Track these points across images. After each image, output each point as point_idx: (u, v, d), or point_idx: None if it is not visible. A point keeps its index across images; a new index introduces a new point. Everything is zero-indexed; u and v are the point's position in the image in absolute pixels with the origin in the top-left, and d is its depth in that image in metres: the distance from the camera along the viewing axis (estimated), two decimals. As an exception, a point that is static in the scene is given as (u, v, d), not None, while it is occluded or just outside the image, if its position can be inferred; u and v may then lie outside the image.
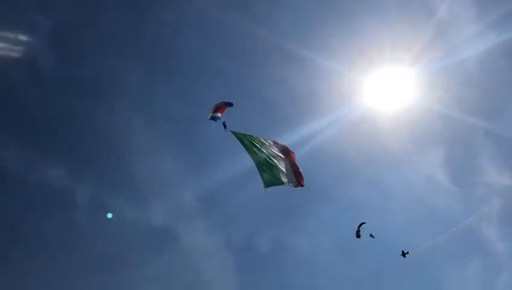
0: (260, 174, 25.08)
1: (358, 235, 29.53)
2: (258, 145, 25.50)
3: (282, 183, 25.09)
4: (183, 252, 58.37)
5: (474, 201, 64.58)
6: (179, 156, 67.26)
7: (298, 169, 25.77)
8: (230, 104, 26.35)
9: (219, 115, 26.23)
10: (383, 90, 58.15)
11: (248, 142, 25.32)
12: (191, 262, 58.04)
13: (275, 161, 25.50)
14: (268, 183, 25.03)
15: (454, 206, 65.23)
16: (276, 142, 26.61)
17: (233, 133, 25.53)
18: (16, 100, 58.11)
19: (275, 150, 26.02)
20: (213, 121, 26.46)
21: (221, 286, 54.87)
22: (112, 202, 59.27)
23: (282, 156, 25.98)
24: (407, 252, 31.28)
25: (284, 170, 25.51)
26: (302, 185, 25.36)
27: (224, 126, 25.98)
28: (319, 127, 56.45)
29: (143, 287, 55.77)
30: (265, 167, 25.10)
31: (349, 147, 62.11)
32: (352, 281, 63.77)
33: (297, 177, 25.47)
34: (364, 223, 29.70)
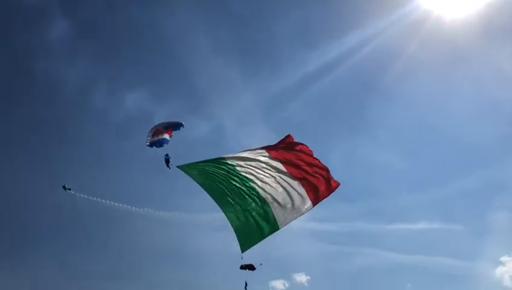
0: (234, 230, 17.23)
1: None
2: (225, 178, 17.47)
3: (275, 229, 17.06)
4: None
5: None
6: (240, 60, 68.66)
7: (319, 170, 17.75)
8: (177, 127, 19.05)
9: (166, 136, 19.59)
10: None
11: (207, 180, 17.45)
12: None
13: (262, 188, 17.46)
14: (246, 245, 17.10)
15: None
16: (270, 147, 18.49)
17: (182, 169, 17.58)
18: (83, 12, 61.02)
19: (264, 165, 17.95)
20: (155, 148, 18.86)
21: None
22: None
23: (279, 168, 17.82)
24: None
25: (283, 195, 17.45)
26: (331, 190, 17.73)
27: (167, 161, 18.69)
28: (383, 25, 55.05)
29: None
30: (238, 217, 17.22)
31: (414, 45, 61.01)
32: (417, 179, 64.40)
33: (318, 186, 17.60)
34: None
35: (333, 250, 64.25)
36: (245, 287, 17.70)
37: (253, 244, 16.97)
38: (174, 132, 19.26)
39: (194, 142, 61.58)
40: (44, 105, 65.54)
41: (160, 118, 62.08)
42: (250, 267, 21.46)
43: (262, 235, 16.94)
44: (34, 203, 57.88)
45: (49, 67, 63.16)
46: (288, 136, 18.96)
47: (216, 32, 64.95)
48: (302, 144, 18.86)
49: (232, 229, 17.18)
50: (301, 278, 62.06)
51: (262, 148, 18.92)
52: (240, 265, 19.87)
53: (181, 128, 19.27)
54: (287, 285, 61.45)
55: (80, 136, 65.92)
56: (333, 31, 66.41)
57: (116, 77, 64.98)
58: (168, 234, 56.95)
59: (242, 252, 17.08)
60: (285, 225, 17.16)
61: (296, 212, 17.26)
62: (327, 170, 18.01)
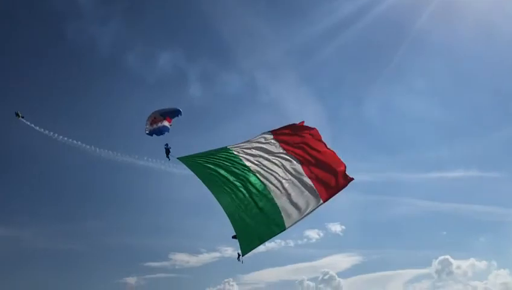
0: (236, 232, 15.69)
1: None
2: (228, 173, 16.09)
3: (281, 229, 15.64)
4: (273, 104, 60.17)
5: None
6: (267, 9, 73.24)
7: (331, 157, 16.40)
8: (176, 114, 18.23)
9: (166, 124, 18.41)
10: None
11: (208, 175, 16.07)
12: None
13: (269, 184, 16.10)
14: (249, 247, 15.53)
15: None
16: (280, 134, 17.10)
17: (183, 161, 16.39)
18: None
19: (272, 158, 16.56)
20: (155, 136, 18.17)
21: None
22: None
23: (289, 161, 16.36)
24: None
25: (291, 192, 16.06)
26: (343, 185, 16.44)
27: (167, 152, 17.80)
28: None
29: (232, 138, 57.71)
30: (241, 216, 15.73)
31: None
32: (453, 127, 60.45)
33: (328, 178, 16.28)
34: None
35: (368, 200, 63.86)
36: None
37: (256, 246, 15.64)
38: (173, 120, 17.99)
39: (229, 97, 60.53)
40: (79, 66, 65.91)
41: (192, 75, 61.28)
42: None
43: (266, 237, 15.65)
44: (72, 166, 59.81)
45: (82, 29, 62.54)
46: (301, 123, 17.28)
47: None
48: (314, 129, 17.04)
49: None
50: (336, 227, 62.54)
51: (271, 133, 17.30)
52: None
53: (179, 115, 17.90)
54: (321, 234, 62.06)
55: (113, 97, 66.42)
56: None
57: (146, 36, 63.72)
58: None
59: (243, 255, 15.67)
60: (293, 224, 15.69)
61: (305, 210, 15.78)
62: (341, 163, 16.23)
